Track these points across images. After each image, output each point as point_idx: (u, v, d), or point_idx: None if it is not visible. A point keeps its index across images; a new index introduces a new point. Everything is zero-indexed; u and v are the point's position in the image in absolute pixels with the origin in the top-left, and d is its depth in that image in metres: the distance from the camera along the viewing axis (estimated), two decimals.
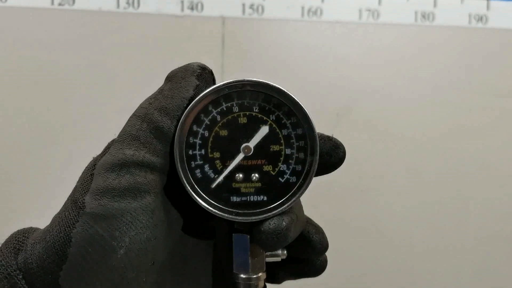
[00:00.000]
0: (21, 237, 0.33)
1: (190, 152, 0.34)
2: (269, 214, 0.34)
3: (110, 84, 0.90)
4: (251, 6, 0.93)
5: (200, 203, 0.34)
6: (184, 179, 0.34)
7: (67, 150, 0.89)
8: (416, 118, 0.98)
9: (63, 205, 0.33)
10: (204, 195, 0.35)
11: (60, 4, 0.89)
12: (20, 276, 0.30)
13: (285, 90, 0.35)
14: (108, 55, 0.91)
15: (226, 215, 0.35)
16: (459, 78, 0.98)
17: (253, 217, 0.35)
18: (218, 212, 0.35)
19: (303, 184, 0.35)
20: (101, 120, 0.89)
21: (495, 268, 1.00)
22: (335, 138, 0.37)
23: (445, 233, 0.99)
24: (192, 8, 0.92)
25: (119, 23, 0.91)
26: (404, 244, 0.98)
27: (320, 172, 0.36)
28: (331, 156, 0.36)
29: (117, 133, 0.34)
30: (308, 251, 0.38)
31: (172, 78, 0.35)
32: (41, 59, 0.89)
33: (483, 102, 0.99)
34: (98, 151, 0.35)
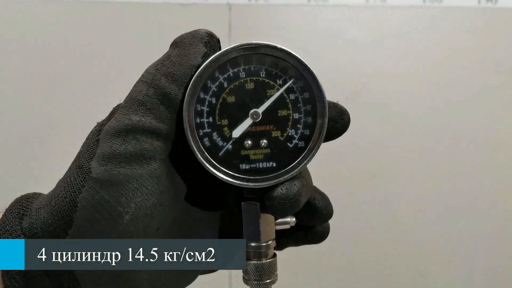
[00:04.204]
0: (25, 202, 0.32)
1: (198, 120, 0.34)
2: (280, 179, 0.34)
3: (117, 73, 0.90)
4: None
5: (211, 170, 0.34)
6: (194, 147, 0.34)
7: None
8: (426, 100, 0.96)
9: (68, 170, 0.33)
10: (214, 163, 0.34)
11: None
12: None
13: (293, 52, 0.34)
14: (114, 44, 0.91)
15: (237, 181, 0.34)
16: (469, 59, 0.97)
17: (264, 183, 0.34)
18: (229, 179, 0.34)
19: (313, 149, 0.35)
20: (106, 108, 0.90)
21: None
22: (340, 105, 0.36)
23: (458, 217, 0.97)
24: None
25: (126, 12, 0.91)
26: (415, 227, 0.97)
27: (325, 139, 0.36)
28: (336, 122, 0.35)
29: (122, 99, 0.33)
30: (314, 218, 0.38)
31: (179, 43, 0.34)
32: (51, 49, 0.90)
33: (494, 82, 0.97)
34: (101, 118, 0.34)
